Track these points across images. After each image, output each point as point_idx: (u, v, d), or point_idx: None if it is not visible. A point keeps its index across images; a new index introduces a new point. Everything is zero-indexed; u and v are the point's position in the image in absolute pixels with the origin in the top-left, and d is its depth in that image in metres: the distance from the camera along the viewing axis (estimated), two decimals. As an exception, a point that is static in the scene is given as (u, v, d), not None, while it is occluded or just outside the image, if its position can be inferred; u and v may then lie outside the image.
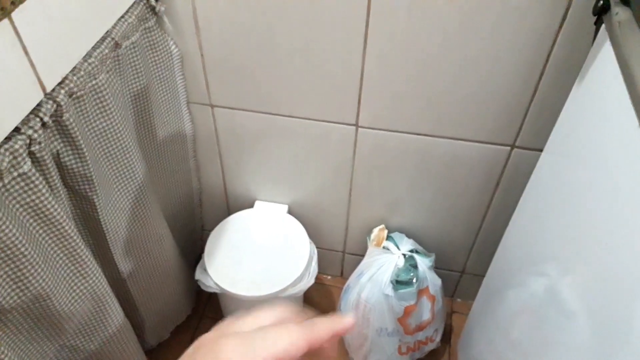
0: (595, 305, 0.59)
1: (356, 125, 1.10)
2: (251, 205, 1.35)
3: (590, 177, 0.65)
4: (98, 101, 0.81)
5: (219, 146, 1.24)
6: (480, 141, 1.06)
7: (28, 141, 0.66)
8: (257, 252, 1.21)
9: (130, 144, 0.91)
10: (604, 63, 0.65)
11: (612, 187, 0.58)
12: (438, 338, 1.30)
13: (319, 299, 1.49)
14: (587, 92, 0.72)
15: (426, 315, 1.20)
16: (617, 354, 0.52)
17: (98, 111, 0.82)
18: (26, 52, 0.65)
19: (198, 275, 1.19)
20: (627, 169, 0.55)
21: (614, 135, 0.60)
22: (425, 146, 1.10)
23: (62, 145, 0.76)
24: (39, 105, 0.69)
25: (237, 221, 1.28)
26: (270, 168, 1.26)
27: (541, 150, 0.87)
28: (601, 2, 0.65)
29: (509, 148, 1.06)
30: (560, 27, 0.86)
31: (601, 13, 0.67)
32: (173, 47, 1.02)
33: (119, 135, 0.87)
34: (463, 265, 1.38)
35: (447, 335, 1.40)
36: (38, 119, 0.68)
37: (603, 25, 0.66)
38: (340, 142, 1.14)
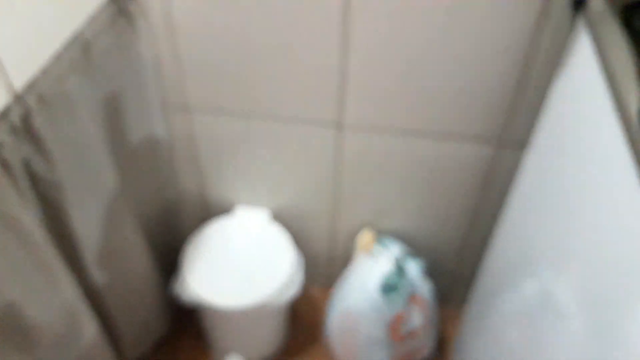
0: (589, 306, 0.60)
1: (339, 125, 1.11)
2: (231, 210, 1.35)
3: (576, 173, 0.67)
4: (68, 106, 0.81)
5: (196, 150, 1.24)
6: (466, 139, 1.08)
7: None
8: (238, 260, 1.21)
9: (102, 150, 0.91)
10: (582, 52, 0.68)
11: (598, 182, 0.60)
12: (431, 345, 1.31)
13: (305, 309, 1.49)
14: (567, 85, 0.74)
15: (417, 321, 1.21)
16: (611, 354, 0.53)
17: (68, 117, 0.82)
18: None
19: (177, 287, 1.18)
20: (611, 163, 0.56)
21: (594, 127, 0.62)
22: (411, 147, 1.11)
23: (31, 151, 0.76)
24: (8, 108, 0.69)
25: (216, 228, 1.28)
26: (250, 172, 1.26)
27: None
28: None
29: (494, 147, 1.08)
30: (542, 20, 0.88)
31: (578, 4, 0.69)
32: (146, 50, 1.02)
33: (89, 141, 0.87)
34: (455, 269, 1.39)
35: (441, 342, 1.40)
36: (7, 123, 0.67)
37: (581, 16, 0.68)
38: (322, 144, 1.15)
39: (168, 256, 1.41)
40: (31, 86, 0.73)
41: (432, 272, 1.37)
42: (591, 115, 0.63)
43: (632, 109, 0.51)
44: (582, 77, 0.67)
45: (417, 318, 1.21)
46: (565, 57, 0.74)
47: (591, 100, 0.63)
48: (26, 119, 0.72)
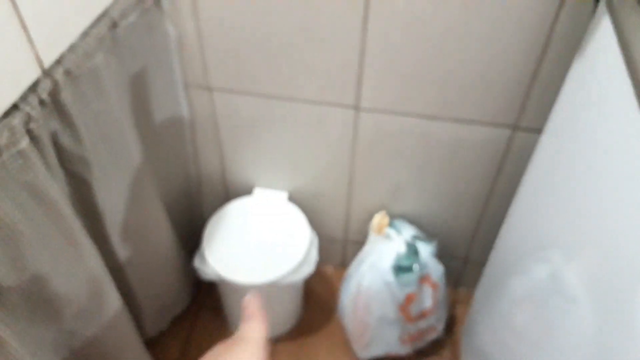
0: (599, 290, 0.59)
1: (357, 107, 1.10)
2: (250, 192, 1.36)
3: (591, 158, 0.66)
4: (95, 82, 0.82)
5: (217, 131, 1.25)
6: (483, 123, 1.07)
7: (26, 118, 0.67)
8: (257, 239, 1.22)
9: (127, 126, 0.92)
10: (602, 37, 0.66)
11: (613, 168, 0.59)
12: (441, 327, 1.31)
13: (320, 288, 1.51)
14: (587, 69, 0.73)
15: (428, 302, 1.22)
16: (620, 339, 0.53)
17: (95, 92, 0.83)
18: (24, 27, 0.66)
19: (197, 263, 1.20)
20: (628, 149, 0.55)
21: (612, 113, 0.61)
22: (427, 129, 1.11)
23: (59, 125, 0.77)
24: (37, 83, 0.70)
25: (236, 208, 1.29)
26: (269, 153, 1.27)
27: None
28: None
29: (511, 130, 1.07)
30: (562, 4, 0.87)
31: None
32: (171, 28, 1.03)
33: (115, 117, 0.88)
34: (466, 253, 1.39)
35: (450, 324, 1.41)
36: (36, 97, 0.69)
37: (602, 0, 0.67)
38: (340, 126, 1.15)
39: (189, 234, 1.43)
40: (59, 62, 0.74)
41: (444, 254, 1.37)
42: (610, 100, 0.62)
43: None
44: (602, 62, 0.66)
45: (428, 299, 1.22)
46: (585, 42, 0.73)
47: (610, 85, 0.62)
48: (54, 94, 0.73)
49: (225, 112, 1.20)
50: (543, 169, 0.87)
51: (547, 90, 0.98)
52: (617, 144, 0.59)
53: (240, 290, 1.20)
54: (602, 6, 0.68)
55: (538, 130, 1.01)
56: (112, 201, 0.95)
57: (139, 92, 1.00)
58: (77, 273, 0.85)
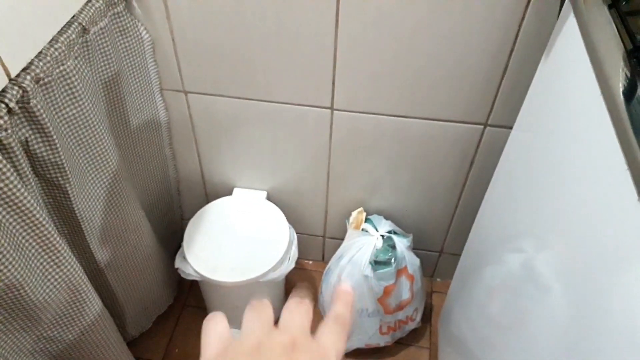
0: (571, 278, 0.59)
1: (331, 107, 1.09)
2: (230, 193, 1.34)
3: (558, 152, 0.66)
4: (67, 87, 0.79)
5: (194, 133, 1.22)
6: (454, 120, 1.06)
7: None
8: (237, 238, 1.20)
9: (102, 131, 0.89)
10: (568, 36, 0.66)
11: (579, 161, 0.59)
12: (418, 317, 1.31)
13: (300, 283, 1.48)
14: (553, 66, 0.72)
15: (405, 294, 1.21)
16: (592, 325, 0.52)
17: (67, 98, 0.80)
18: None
19: (178, 263, 1.17)
20: (592, 143, 0.55)
21: (577, 109, 0.60)
22: (400, 127, 1.10)
23: (30, 132, 0.74)
24: (4, 91, 0.66)
25: (216, 208, 1.27)
26: (247, 154, 1.24)
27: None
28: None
29: (482, 127, 1.06)
30: (529, 3, 0.86)
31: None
32: (144, 32, 0.99)
33: (90, 122, 0.85)
34: (441, 245, 1.39)
35: (428, 314, 1.41)
36: (3, 105, 0.65)
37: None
38: (316, 126, 1.13)
39: (170, 235, 1.40)
40: (27, 69, 0.71)
41: (420, 247, 1.37)
42: (576, 95, 0.61)
43: (617, 90, 0.50)
44: (568, 59, 0.66)
45: (406, 291, 1.21)
46: (552, 41, 0.72)
47: (576, 81, 0.61)
48: (23, 101, 0.70)
49: (202, 114, 1.17)
50: (514, 162, 0.86)
51: (517, 87, 0.97)
52: (582, 138, 0.58)
53: (222, 289, 1.17)
54: (567, 5, 0.67)
55: (509, 127, 1.01)
56: (90, 206, 0.92)
57: (114, 96, 0.97)
58: (53, 279, 0.81)
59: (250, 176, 1.31)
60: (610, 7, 0.59)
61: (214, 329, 0.34)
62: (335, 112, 1.09)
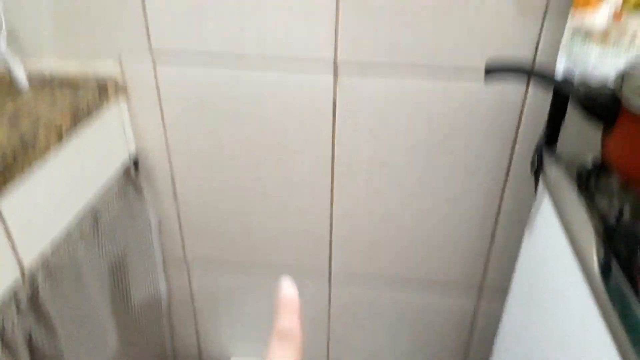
0: None
1: (329, 278, 1.09)
2: (227, 363, 1.27)
3: (549, 323, 0.65)
4: (75, 276, 0.79)
5: (193, 305, 1.20)
6: (448, 286, 1.06)
7: (1, 328, 0.62)
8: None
9: (104, 314, 0.87)
10: (545, 214, 0.69)
11: (567, 334, 0.58)
12: None
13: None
14: (535, 241, 0.74)
15: None
16: None
17: (74, 286, 0.79)
18: (8, 234, 0.65)
19: None
20: (577, 315, 0.55)
21: (561, 281, 0.61)
22: (397, 296, 1.09)
23: (35, 326, 0.71)
24: (16, 287, 0.66)
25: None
26: (245, 323, 1.21)
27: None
28: (535, 163, 0.71)
29: (476, 294, 1.06)
30: (505, 182, 0.92)
31: (537, 171, 0.72)
32: (152, 214, 1.03)
33: (93, 306, 0.83)
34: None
35: None
36: (15, 304, 0.65)
37: (541, 181, 0.71)
38: (315, 295, 1.12)
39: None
40: (40, 260, 0.71)
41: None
42: (558, 271, 0.62)
43: (594, 266, 0.51)
44: (547, 236, 0.68)
45: None
46: (532, 216, 0.75)
47: (557, 258, 0.62)
48: (33, 296, 0.69)
49: (202, 286, 1.16)
50: (512, 332, 0.84)
51: (507, 256, 1.00)
52: (569, 311, 0.58)
53: None
54: (541, 186, 0.71)
55: (504, 294, 1.02)
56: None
57: (118, 275, 0.96)
58: None
59: (249, 345, 1.26)
60: (579, 186, 0.63)
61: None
62: (332, 281, 1.10)
